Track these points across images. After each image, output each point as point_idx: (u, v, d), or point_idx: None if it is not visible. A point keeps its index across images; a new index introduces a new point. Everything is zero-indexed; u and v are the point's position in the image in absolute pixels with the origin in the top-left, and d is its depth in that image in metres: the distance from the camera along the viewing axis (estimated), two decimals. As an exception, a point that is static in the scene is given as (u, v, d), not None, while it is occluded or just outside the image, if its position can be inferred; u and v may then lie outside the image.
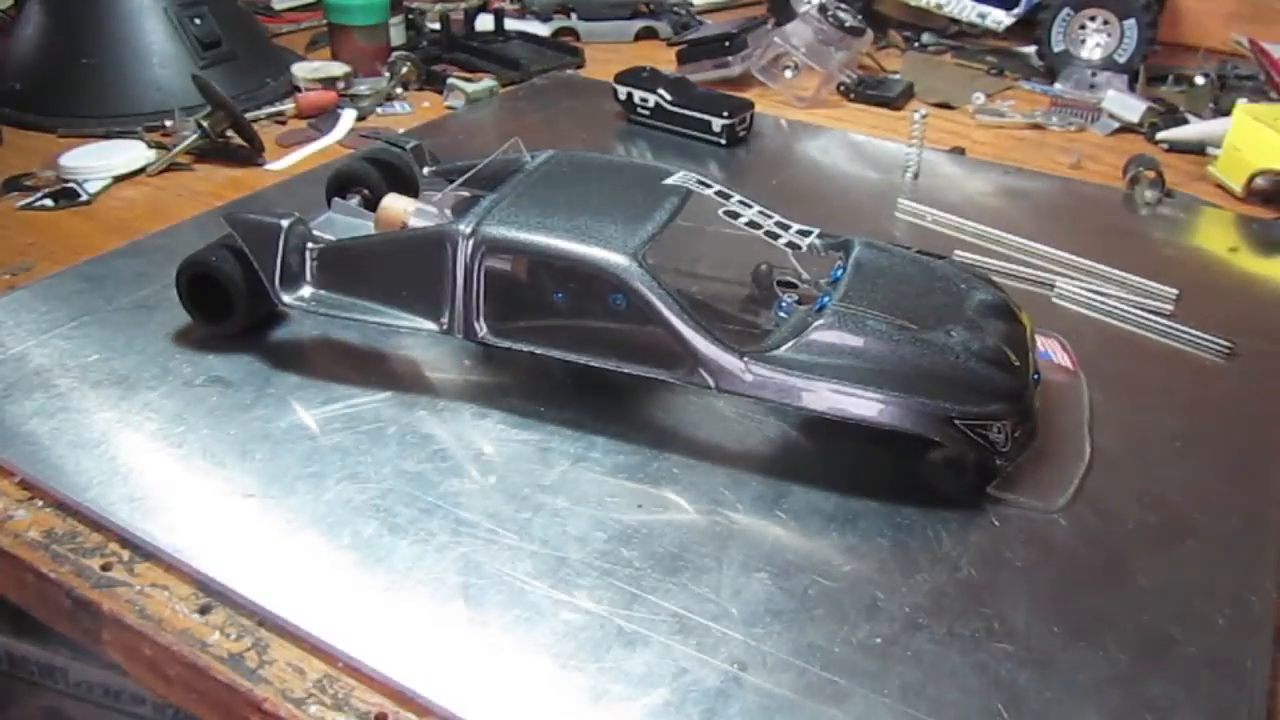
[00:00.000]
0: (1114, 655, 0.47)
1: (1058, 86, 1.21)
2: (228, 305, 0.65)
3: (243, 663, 0.46)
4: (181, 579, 0.50)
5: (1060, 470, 0.58)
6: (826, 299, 0.59)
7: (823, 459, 0.59)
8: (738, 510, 0.55)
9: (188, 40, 1.05)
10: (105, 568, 0.51)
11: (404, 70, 1.16)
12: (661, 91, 1.05)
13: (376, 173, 0.74)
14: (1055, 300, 0.77)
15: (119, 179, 0.91)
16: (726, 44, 1.20)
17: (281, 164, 0.97)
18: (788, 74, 1.20)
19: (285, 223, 0.62)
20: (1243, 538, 0.54)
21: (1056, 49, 1.23)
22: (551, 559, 0.51)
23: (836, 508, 0.55)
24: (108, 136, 0.98)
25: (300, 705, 0.44)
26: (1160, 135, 1.08)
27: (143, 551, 0.52)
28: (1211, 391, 0.67)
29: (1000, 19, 1.30)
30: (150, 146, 0.95)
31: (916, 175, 0.96)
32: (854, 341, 0.55)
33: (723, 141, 1.02)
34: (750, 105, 1.05)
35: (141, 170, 0.93)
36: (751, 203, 0.66)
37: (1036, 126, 1.13)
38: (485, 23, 1.31)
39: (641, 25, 1.41)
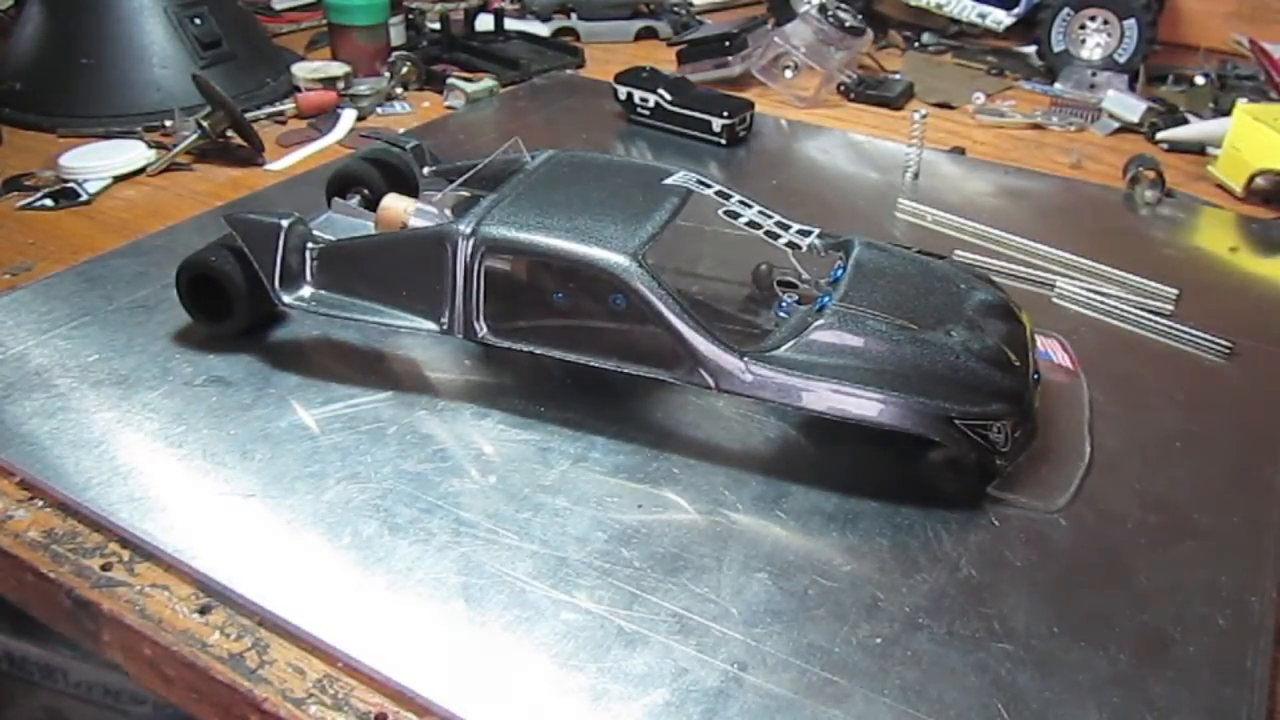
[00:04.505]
0: (1114, 655, 0.47)
1: (1058, 86, 1.21)
2: (228, 305, 0.65)
3: (243, 663, 0.46)
4: (181, 579, 0.50)
5: (1060, 470, 0.58)
6: (826, 299, 0.58)
7: (823, 459, 0.59)
8: (738, 510, 0.55)
9: (188, 40, 1.05)
10: (105, 568, 0.51)
11: (404, 70, 1.16)
12: (661, 91, 1.05)
13: (376, 173, 0.74)
14: (1055, 300, 0.77)
15: (119, 179, 0.91)
16: (726, 44, 1.20)
17: (281, 164, 0.97)
18: (788, 74, 1.20)
19: (285, 223, 0.62)
20: (1243, 538, 0.54)
21: (1056, 49, 1.23)
22: (551, 559, 0.51)
23: (836, 508, 0.55)
24: (108, 136, 0.98)
25: (300, 705, 0.44)
26: (1160, 135, 1.08)
27: (143, 551, 0.52)
28: (1211, 391, 0.67)
29: (1000, 19, 1.30)
30: (150, 146, 0.95)
31: (916, 175, 0.96)
32: (854, 341, 0.55)
33: (723, 141, 1.02)
34: (750, 105, 1.05)
35: (141, 170, 0.93)
36: (751, 202, 0.66)
37: (1036, 126, 1.13)
38: (485, 23, 1.31)
39: (641, 25, 1.41)
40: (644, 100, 1.06)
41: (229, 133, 0.96)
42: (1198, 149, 1.05)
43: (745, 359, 0.56)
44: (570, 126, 1.09)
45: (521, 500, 0.55)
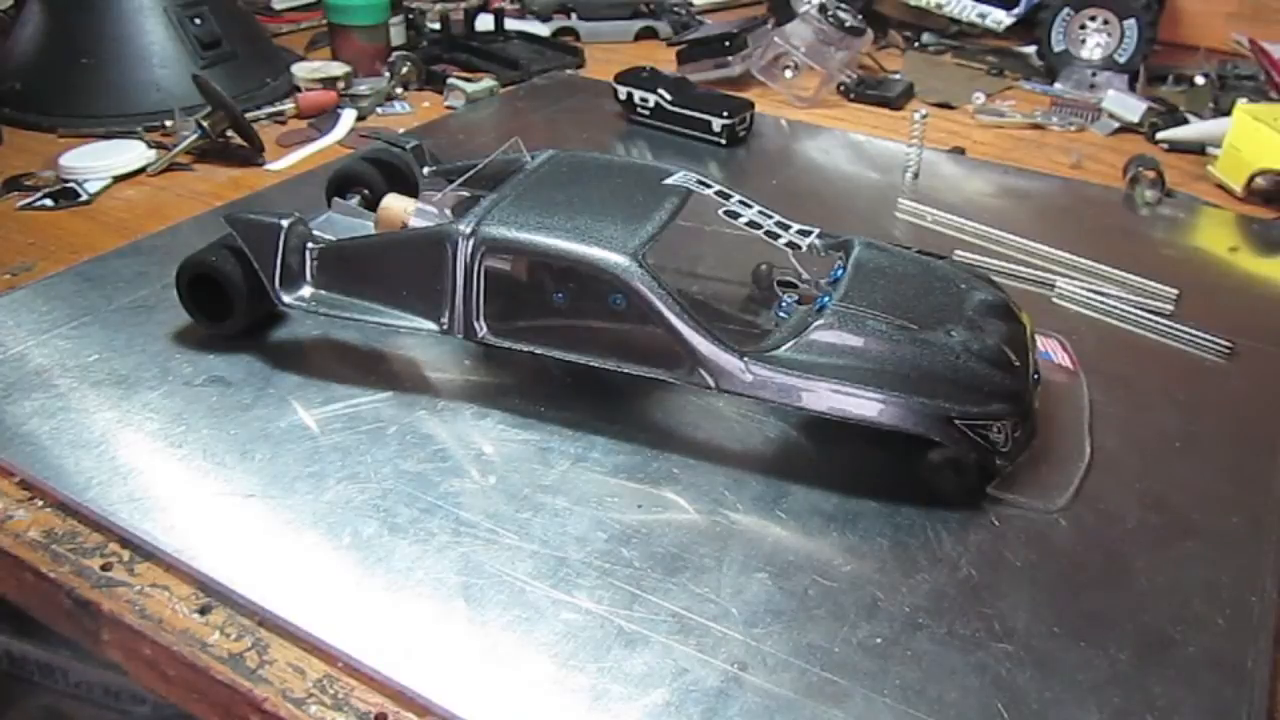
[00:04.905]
0: (1114, 655, 0.47)
1: (1058, 86, 1.21)
2: (228, 305, 0.65)
3: (243, 663, 0.46)
4: (181, 579, 0.50)
5: (1060, 470, 0.58)
6: (826, 299, 0.58)
7: (823, 459, 0.59)
8: (738, 510, 0.55)
9: (188, 40, 1.05)
10: (105, 568, 0.51)
11: (404, 70, 1.16)
12: (661, 91, 1.05)
13: (376, 173, 0.74)
14: (1055, 300, 0.77)
15: (119, 179, 0.91)
16: (726, 44, 1.20)
17: (281, 164, 0.97)
18: (788, 74, 1.20)
19: (285, 223, 0.62)
20: (1243, 538, 0.54)
21: (1056, 49, 1.23)
22: (551, 559, 0.51)
23: (836, 508, 0.55)
24: (108, 136, 0.98)
25: (300, 705, 0.44)
26: (1160, 135, 1.08)
27: (143, 551, 0.52)
28: (1211, 391, 0.67)
29: (1000, 19, 1.30)
30: (150, 146, 0.95)
31: (916, 175, 0.96)
32: (854, 341, 0.55)
33: (723, 141, 1.02)
34: (750, 105, 1.05)
35: (141, 170, 0.93)
36: (751, 203, 0.66)
37: (1036, 126, 1.13)
38: (485, 23, 1.31)
39: (641, 25, 1.41)
40: (644, 100, 1.06)
41: (229, 133, 0.96)
42: (1198, 149, 1.05)
43: (745, 359, 0.56)
44: (570, 126, 1.09)
45: (521, 500, 0.55)
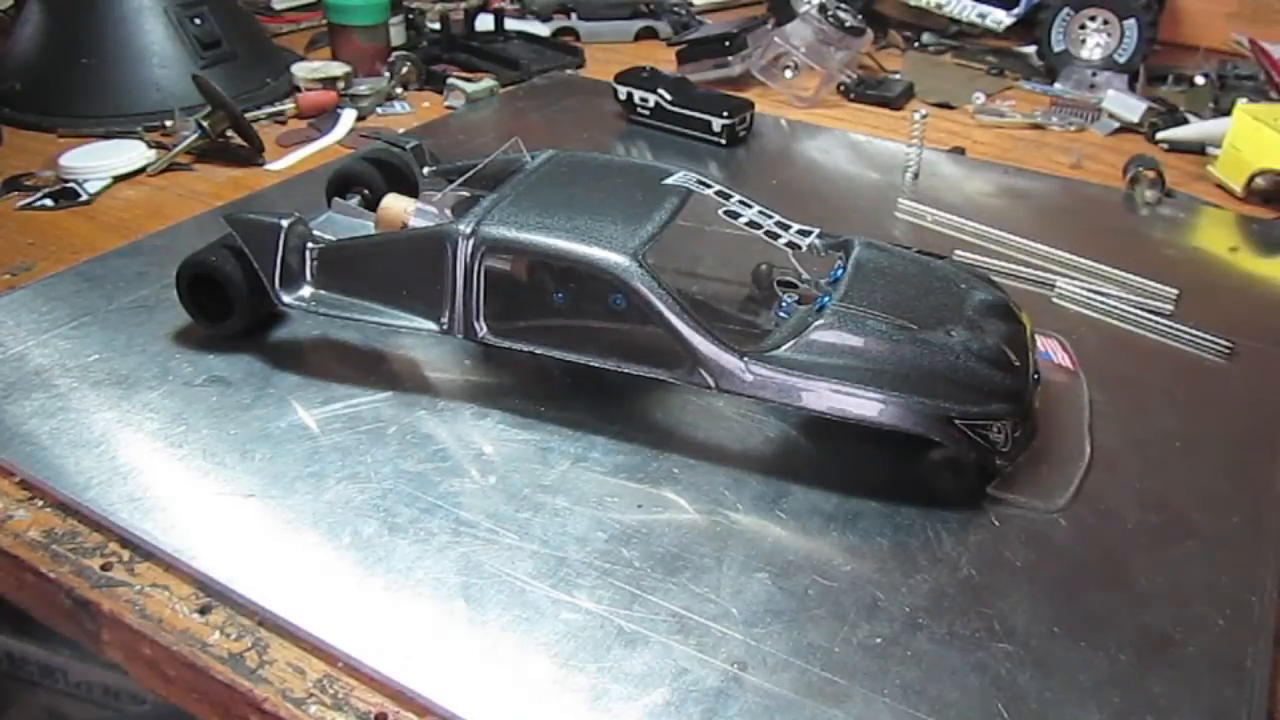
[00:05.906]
0: (1114, 655, 0.47)
1: (1058, 86, 1.21)
2: (228, 305, 0.65)
3: (243, 663, 0.46)
4: (181, 579, 0.50)
5: (1060, 470, 0.58)
6: (826, 299, 0.58)
7: (823, 459, 0.59)
8: (738, 510, 0.55)
9: (188, 40, 1.05)
10: (105, 568, 0.51)
11: (404, 70, 1.16)
12: (661, 91, 1.05)
13: (376, 173, 0.74)
14: (1055, 300, 0.77)
15: (119, 179, 0.91)
16: (726, 44, 1.20)
17: (281, 164, 0.97)
18: (788, 74, 1.20)
19: (285, 223, 0.62)
20: (1243, 538, 0.54)
21: (1056, 49, 1.23)
22: (551, 559, 0.51)
23: (836, 508, 0.55)
24: (108, 136, 0.98)
25: (300, 705, 0.44)
26: (1160, 135, 1.08)
27: (143, 551, 0.52)
28: (1211, 391, 0.67)
29: (1000, 19, 1.30)
30: (150, 146, 0.95)
31: (916, 175, 0.96)
32: (854, 341, 0.55)
33: (723, 141, 1.02)
34: (750, 105, 1.05)
35: (141, 170, 0.93)
36: (751, 203, 0.66)
37: (1036, 126, 1.13)
38: (485, 23, 1.31)
39: (641, 25, 1.41)
40: (644, 100, 1.06)
41: (229, 133, 0.96)
42: (1198, 149, 1.05)
43: (745, 359, 0.56)
44: (570, 126, 1.09)
45: (521, 500, 0.55)
